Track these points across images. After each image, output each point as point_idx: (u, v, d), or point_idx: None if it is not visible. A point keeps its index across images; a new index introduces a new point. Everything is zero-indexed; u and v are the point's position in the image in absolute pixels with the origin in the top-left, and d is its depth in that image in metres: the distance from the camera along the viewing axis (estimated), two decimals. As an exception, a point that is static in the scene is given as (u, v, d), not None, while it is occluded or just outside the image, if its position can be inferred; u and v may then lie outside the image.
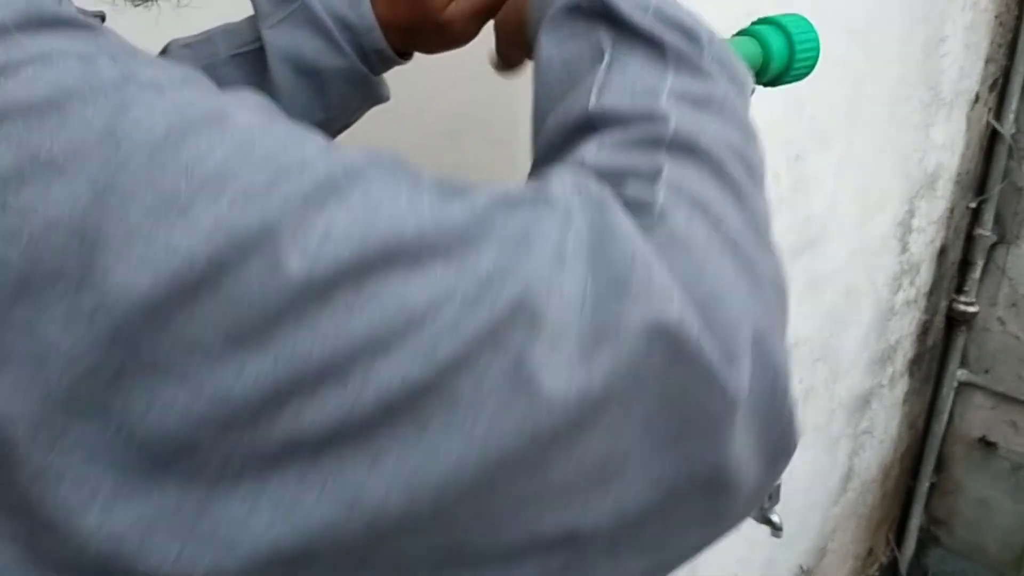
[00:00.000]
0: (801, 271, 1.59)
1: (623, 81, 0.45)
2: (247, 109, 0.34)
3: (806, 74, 0.64)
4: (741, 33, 0.64)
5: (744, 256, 0.39)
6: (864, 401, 2.09)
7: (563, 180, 0.39)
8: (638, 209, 0.39)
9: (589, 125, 0.44)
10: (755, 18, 0.65)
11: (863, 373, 2.03)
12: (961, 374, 2.55)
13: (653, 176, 0.41)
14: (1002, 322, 2.50)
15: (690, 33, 0.47)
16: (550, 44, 0.49)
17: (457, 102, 1.23)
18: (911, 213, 1.99)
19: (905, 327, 2.18)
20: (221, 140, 0.32)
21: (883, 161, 1.77)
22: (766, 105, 1.36)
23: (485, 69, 0.68)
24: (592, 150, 0.43)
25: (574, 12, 0.49)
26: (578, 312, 0.34)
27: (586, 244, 0.35)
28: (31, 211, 0.29)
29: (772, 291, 0.40)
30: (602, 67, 0.46)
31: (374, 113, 0.74)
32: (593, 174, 0.41)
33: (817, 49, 0.64)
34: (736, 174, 0.43)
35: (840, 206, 1.65)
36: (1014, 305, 2.47)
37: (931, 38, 1.80)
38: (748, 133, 0.46)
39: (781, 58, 0.62)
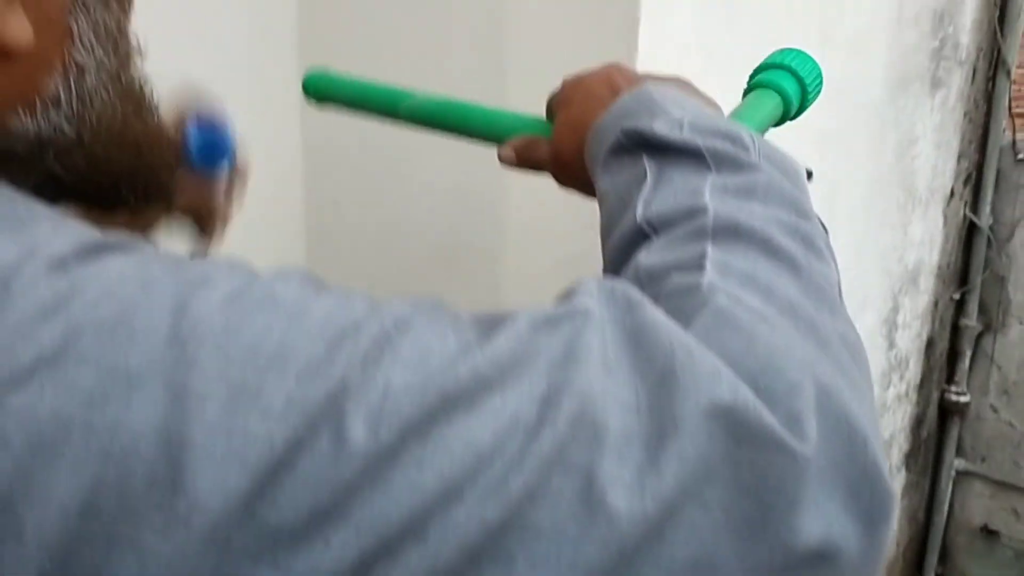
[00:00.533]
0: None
1: (667, 190, 0.48)
2: (292, 283, 0.36)
3: (815, 99, 0.69)
4: (753, 87, 0.68)
5: (804, 319, 0.39)
6: (862, 498, 2.08)
7: (588, 289, 0.40)
8: (683, 296, 0.40)
9: (640, 235, 0.47)
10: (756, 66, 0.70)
11: (859, 470, 2.02)
12: (958, 463, 2.54)
13: (697, 262, 0.42)
14: (995, 410, 2.51)
15: (730, 136, 0.50)
16: (606, 183, 0.53)
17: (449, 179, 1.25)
18: (895, 309, 2.02)
19: (898, 421, 2.19)
20: (276, 319, 0.34)
21: (863, 262, 1.80)
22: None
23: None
24: (642, 256, 0.45)
25: (619, 151, 0.53)
26: (635, 416, 0.34)
27: (625, 348, 0.36)
28: (118, 427, 0.31)
29: (841, 349, 0.40)
30: (647, 184, 0.49)
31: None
32: (646, 275, 0.43)
33: (821, 76, 0.68)
34: (786, 245, 0.43)
35: (824, 309, 1.68)
36: (1005, 392, 2.49)
37: (902, 140, 1.85)
38: (801, 211, 0.47)
39: (797, 98, 0.67)
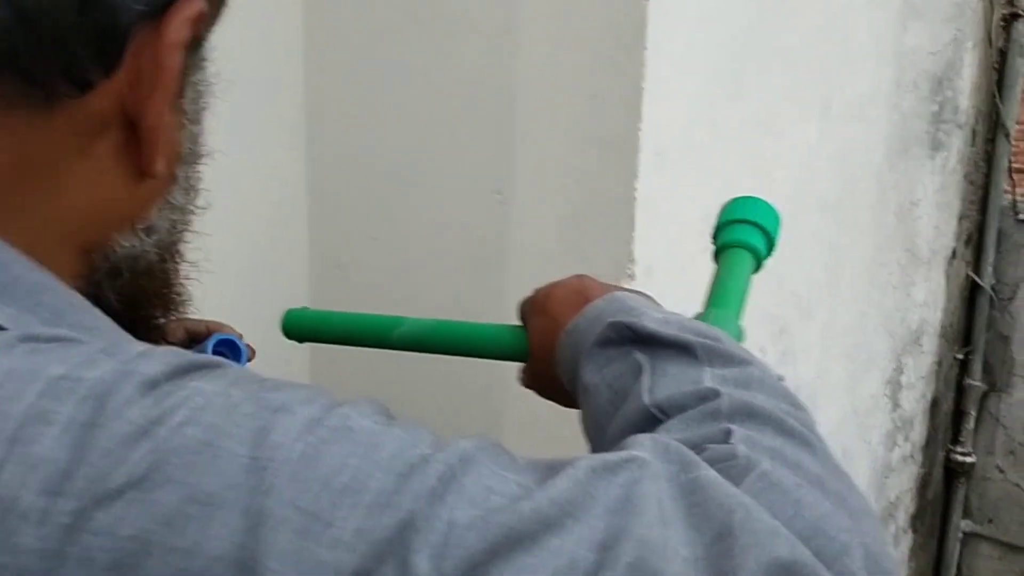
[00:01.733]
0: (794, 439, 1.60)
1: (668, 379, 0.51)
2: (366, 415, 0.38)
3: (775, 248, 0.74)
4: (724, 245, 0.72)
5: (833, 492, 0.42)
6: (869, 562, 2.06)
7: (645, 444, 0.41)
8: (724, 462, 0.42)
9: (650, 419, 0.49)
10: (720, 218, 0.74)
11: (865, 534, 2.01)
12: (965, 525, 2.52)
13: (725, 437, 0.44)
14: (1001, 470, 2.49)
15: (712, 335, 0.53)
16: (592, 374, 0.56)
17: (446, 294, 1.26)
18: (899, 370, 2.01)
19: (904, 483, 2.17)
20: (352, 450, 0.35)
21: (867, 324, 1.81)
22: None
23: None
24: (660, 432, 0.47)
25: (606, 343, 0.56)
26: (693, 568, 0.35)
27: (681, 502, 0.37)
28: (196, 549, 0.32)
29: (868, 521, 0.42)
30: (645, 374, 0.51)
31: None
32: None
33: (779, 221, 0.73)
34: (796, 427, 0.46)
35: (828, 372, 1.68)
36: (1011, 453, 2.47)
37: (903, 203, 1.86)
38: (794, 403, 0.50)
39: (765, 252, 0.72)
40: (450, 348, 0.76)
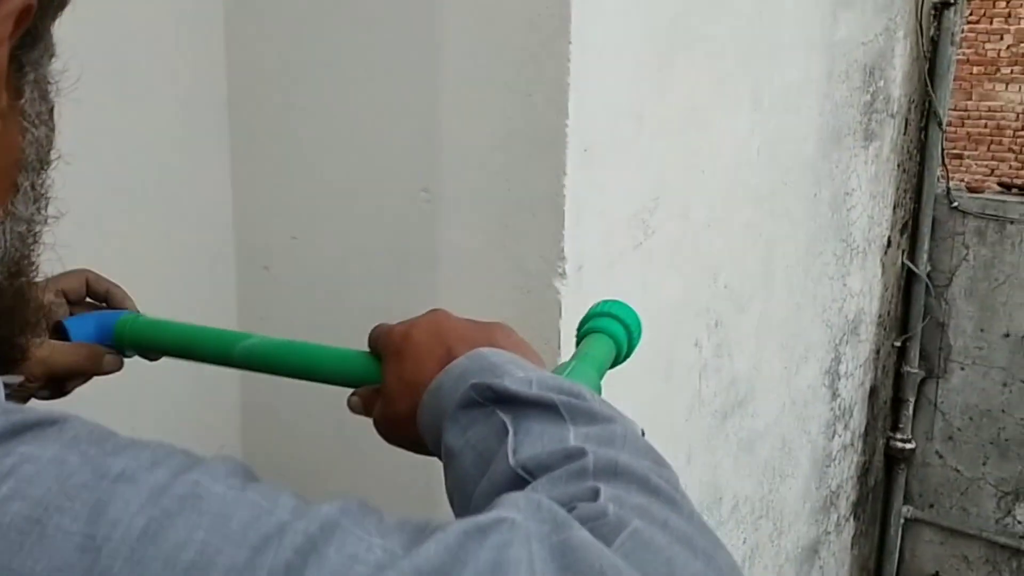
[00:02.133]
0: (733, 432, 1.60)
1: (532, 439, 0.50)
2: (219, 479, 0.35)
3: (638, 344, 0.76)
4: (586, 333, 0.74)
5: (701, 550, 0.42)
6: (812, 551, 2.07)
7: (518, 502, 0.41)
8: (594, 522, 0.41)
9: (516, 480, 0.48)
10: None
11: (807, 523, 2.02)
12: (906, 511, 2.55)
13: (594, 495, 0.44)
14: (940, 456, 2.52)
15: (574, 392, 0.53)
16: (456, 437, 0.55)
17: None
18: (837, 360, 2.02)
19: (845, 471, 2.19)
20: (198, 522, 0.32)
21: (803, 315, 1.81)
22: (680, 278, 1.40)
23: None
24: (527, 491, 0.46)
25: (469, 405, 0.55)
26: None
27: (553, 564, 0.37)
28: None
29: (733, 573, 0.43)
30: (509, 435, 0.51)
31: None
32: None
33: (640, 324, 0.75)
34: (662, 486, 0.46)
35: (765, 364, 1.68)
36: (950, 438, 2.50)
37: (837, 194, 1.87)
38: (658, 460, 0.50)
39: (625, 342, 0.73)
40: (296, 370, 0.73)
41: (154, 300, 1.26)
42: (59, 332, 0.76)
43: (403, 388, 0.63)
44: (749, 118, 1.48)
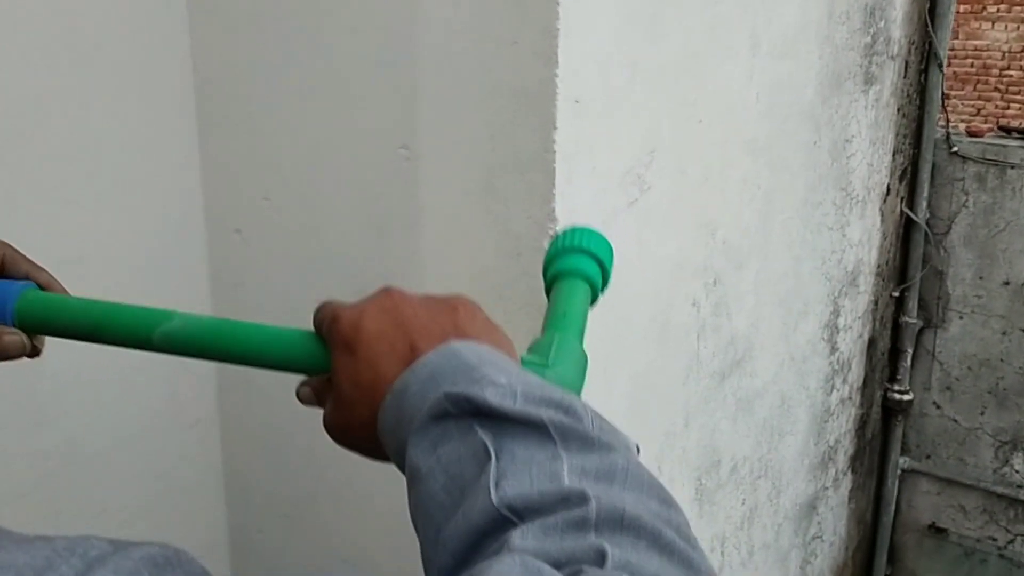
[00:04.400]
0: (731, 392, 1.54)
1: (517, 469, 0.43)
2: None
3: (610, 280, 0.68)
4: (557, 274, 0.66)
5: None
6: (810, 507, 2.03)
7: (511, 570, 0.35)
8: None
9: (500, 521, 0.41)
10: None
11: (806, 480, 1.98)
12: (903, 462, 2.52)
13: (599, 557, 0.38)
14: (938, 406, 2.48)
15: (564, 406, 0.46)
16: (424, 455, 0.47)
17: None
18: (836, 313, 1.97)
19: (843, 425, 2.15)
20: None
21: (802, 269, 1.75)
22: (676, 236, 1.33)
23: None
24: (517, 541, 0.39)
25: (442, 418, 0.47)
26: None
27: None
28: None
29: None
30: (492, 463, 0.43)
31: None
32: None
33: (612, 253, 0.67)
34: (674, 540, 0.40)
35: (764, 321, 1.62)
36: (948, 388, 2.46)
37: (837, 141, 1.79)
38: (664, 499, 0.43)
39: (599, 282, 0.66)
40: (228, 353, 0.63)
41: (120, 269, 1.19)
42: None
43: (358, 392, 0.54)
44: (747, 64, 1.41)
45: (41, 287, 0.68)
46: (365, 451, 0.56)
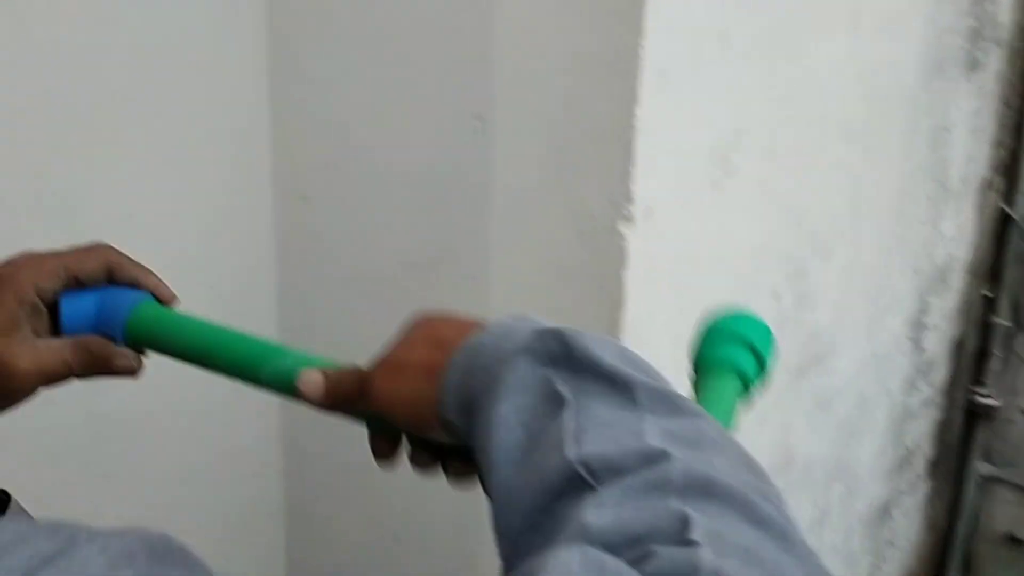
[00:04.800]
0: (808, 390, 1.47)
1: (597, 425, 0.39)
2: None
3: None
4: (705, 367, 0.59)
5: None
6: (884, 512, 1.95)
7: (569, 567, 0.31)
8: None
9: (576, 481, 0.37)
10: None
11: (881, 483, 1.89)
12: (984, 469, 2.40)
13: (680, 530, 0.33)
14: (1024, 413, 2.36)
15: (652, 371, 0.43)
16: (504, 404, 0.43)
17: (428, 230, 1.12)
18: (923, 311, 1.87)
19: (923, 428, 2.05)
20: None
21: (891, 262, 1.66)
22: (761, 222, 1.26)
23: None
24: (592, 512, 0.35)
25: (533, 353, 0.44)
26: None
27: None
28: None
29: None
30: (568, 413, 0.40)
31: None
32: (602, 544, 0.33)
33: (773, 342, 0.60)
34: (770, 512, 0.36)
35: (847, 315, 1.54)
36: (1037, 395, 2.34)
37: (936, 129, 1.69)
38: (758, 472, 0.39)
39: (755, 379, 0.58)
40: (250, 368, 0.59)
41: (184, 237, 1.17)
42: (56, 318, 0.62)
43: (420, 348, 0.51)
44: (846, 42, 1.32)
45: (151, 294, 0.65)
46: (408, 412, 0.51)
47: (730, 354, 0.57)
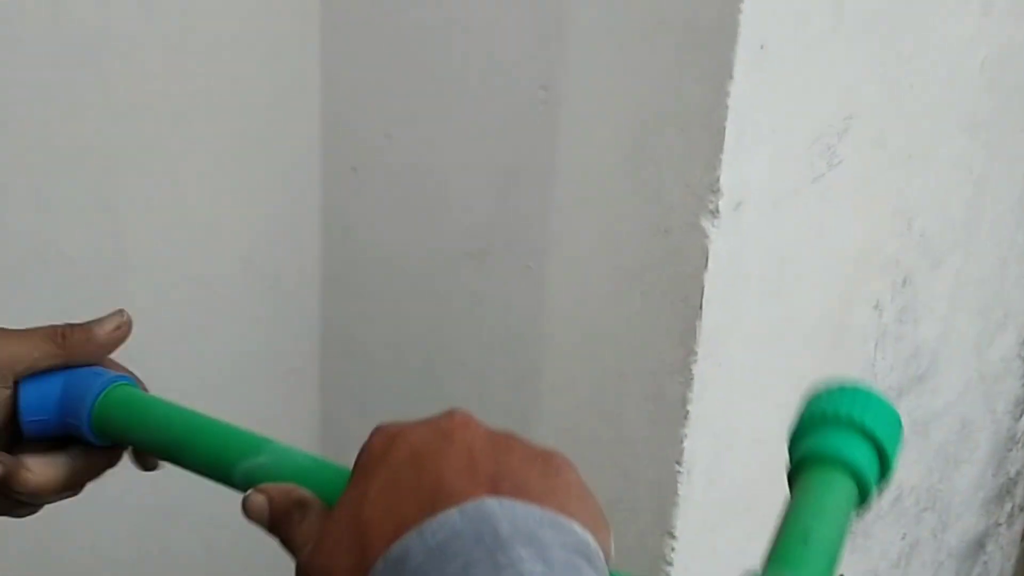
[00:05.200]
0: (906, 412, 1.31)
1: None
2: None
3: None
4: (807, 459, 0.44)
5: None
6: (978, 545, 1.79)
7: None
8: None
9: None
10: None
11: (977, 515, 1.73)
12: (1091, 501, 2.21)
13: None
14: None
15: None
16: None
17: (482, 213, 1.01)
18: (1039, 328, 1.69)
19: (1027, 455, 1.87)
20: None
21: (1006, 273, 1.49)
22: (865, 222, 1.11)
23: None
24: None
25: None
26: None
27: None
28: None
29: None
30: None
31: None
32: None
33: (900, 432, 0.45)
34: None
35: (955, 332, 1.38)
36: None
37: (1068, 126, 1.51)
38: None
39: (875, 479, 0.43)
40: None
41: (230, 203, 1.08)
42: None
43: (352, 533, 0.37)
44: (974, 25, 1.16)
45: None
46: None
47: (847, 449, 0.43)
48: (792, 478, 0.44)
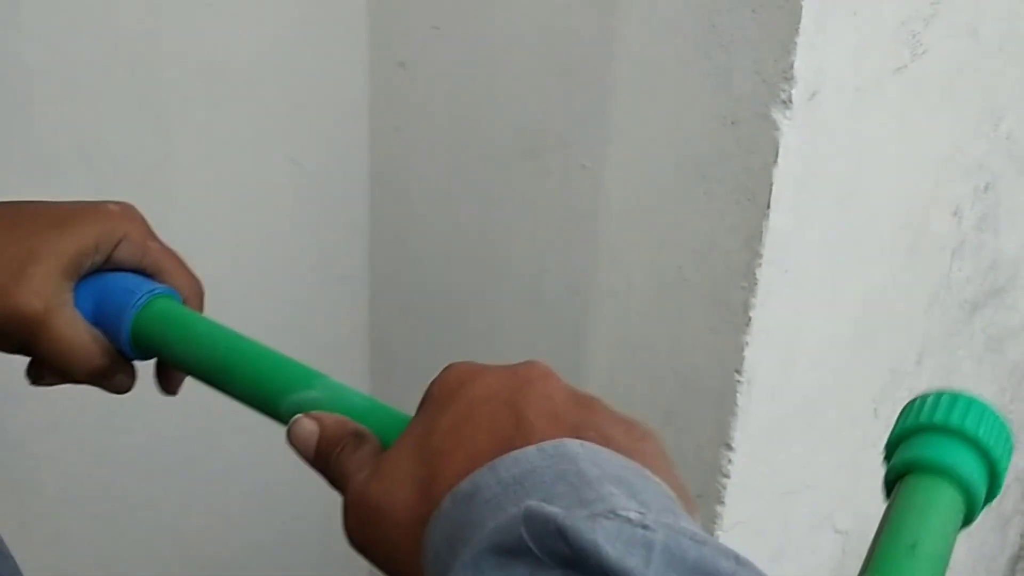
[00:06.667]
0: (981, 327, 1.25)
1: None
2: None
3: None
4: (908, 468, 0.41)
5: None
6: (1048, 470, 1.72)
7: None
8: None
9: None
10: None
11: (1049, 438, 1.66)
12: None
13: None
14: None
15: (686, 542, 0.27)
16: None
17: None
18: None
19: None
20: None
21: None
22: (950, 120, 1.04)
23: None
24: None
25: (511, 553, 0.28)
26: None
27: None
28: None
29: None
30: None
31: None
32: None
33: (1012, 443, 0.42)
34: None
35: (1038, 243, 1.30)
36: None
37: None
38: None
39: (983, 491, 0.41)
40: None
41: (277, 103, 1.03)
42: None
43: (416, 460, 0.34)
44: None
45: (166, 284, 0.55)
46: (386, 564, 0.36)
47: (961, 462, 0.40)
48: (892, 483, 0.41)
